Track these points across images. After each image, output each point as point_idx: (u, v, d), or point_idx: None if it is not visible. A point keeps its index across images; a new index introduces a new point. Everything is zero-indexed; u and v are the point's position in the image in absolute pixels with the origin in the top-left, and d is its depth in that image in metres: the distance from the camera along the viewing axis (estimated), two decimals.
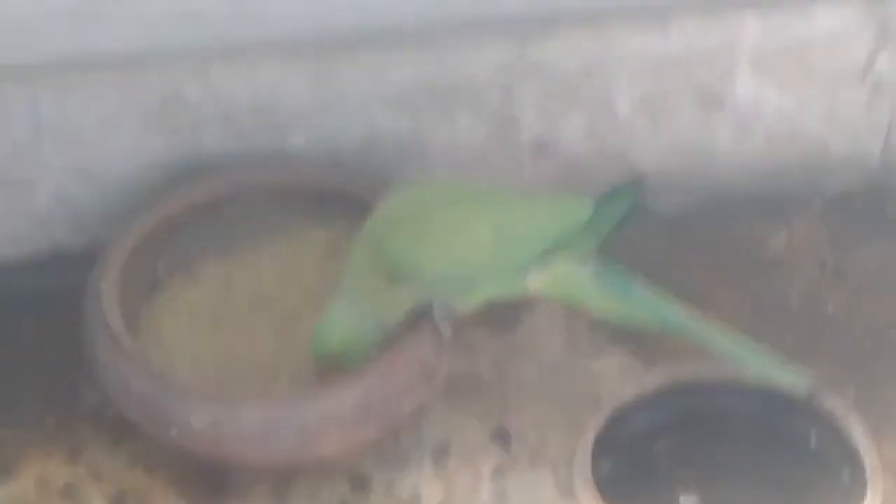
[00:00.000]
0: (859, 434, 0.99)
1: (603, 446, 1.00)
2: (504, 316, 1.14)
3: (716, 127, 1.20)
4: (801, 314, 1.15)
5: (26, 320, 1.15)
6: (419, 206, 1.02)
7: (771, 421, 1.03)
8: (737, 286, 1.17)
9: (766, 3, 1.15)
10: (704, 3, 1.14)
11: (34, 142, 1.12)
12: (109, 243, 1.09)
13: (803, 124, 1.21)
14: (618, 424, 1.02)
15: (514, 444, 1.07)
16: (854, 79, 1.19)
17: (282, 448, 1.00)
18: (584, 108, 1.18)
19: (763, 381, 1.02)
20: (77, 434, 1.09)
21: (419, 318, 1.03)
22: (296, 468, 1.05)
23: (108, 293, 1.05)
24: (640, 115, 1.19)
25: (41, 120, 1.11)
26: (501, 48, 1.14)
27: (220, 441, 0.99)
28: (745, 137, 1.21)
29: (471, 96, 1.16)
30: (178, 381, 1.03)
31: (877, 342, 1.13)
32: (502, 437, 1.08)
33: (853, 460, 0.99)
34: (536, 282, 1.01)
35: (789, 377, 1.01)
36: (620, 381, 1.09)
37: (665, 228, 1.21)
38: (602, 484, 0.98)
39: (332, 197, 1.12)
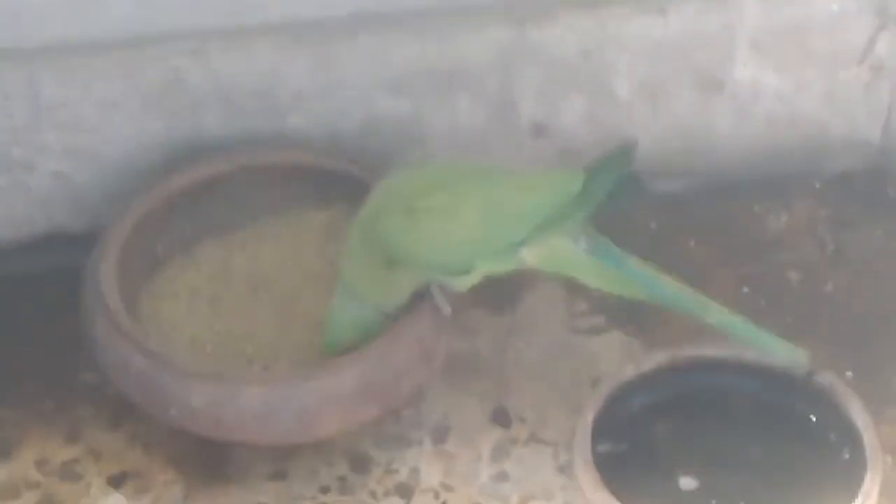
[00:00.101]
0: (859, 414, 0.99)
1: (602, 426, 1.00)
2: (503, 296, 1.15)
3: (715, 110, 1.20)
4: (800, 295, 1.16)
5: (26, 301, 1.15)
6: (411, 190, 1.01)
7: (771, 401, 1.03)
8: (737, 267, 1.17)
9: None
10: None
11: (34, 123, 1.12)
12: (109, 225, 1.09)
13: (803, 107, 1.21)
14: (617, 404, 1.02)
15: (514, 424, 1.07)
16: (853, 61, 1.19)
17: (281, 428, 1.00)
18: (584, 91, 1.18)
19: (761, 351, 1.02)
20: (76, 414, 1.09)
21: (418, 298, 1.03)
22: (295, 448, 1.05)
23: (107, 274, 1.05)
24: (639, 98, 1.19)
25: (41, 102, 1.12)
26: (501, 32, 1.14)
27: (219, 421, 1.00)
28: (745, 120, 1.21)
29: (470, 80, 1.16)
30: (177, 361, 1.02)
31: (876, 322, 1.13)
32: (502, 417, 1.08)
33: (853, 440, 0.99)
34: (531, 256, 1.01)
35: (786, 349, 1.01)
36: (620, 361, 1.09)
37: (665, 211, 1.21)
38: (601, 464, 0.98)
39: (331, 178, 1.12)
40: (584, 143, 1.20)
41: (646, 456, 1.02)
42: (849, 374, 1.08)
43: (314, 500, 1.04)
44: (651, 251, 1.03)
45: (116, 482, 1.05)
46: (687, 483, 1.01)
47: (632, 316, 1.12)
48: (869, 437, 0.98)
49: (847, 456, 1.00)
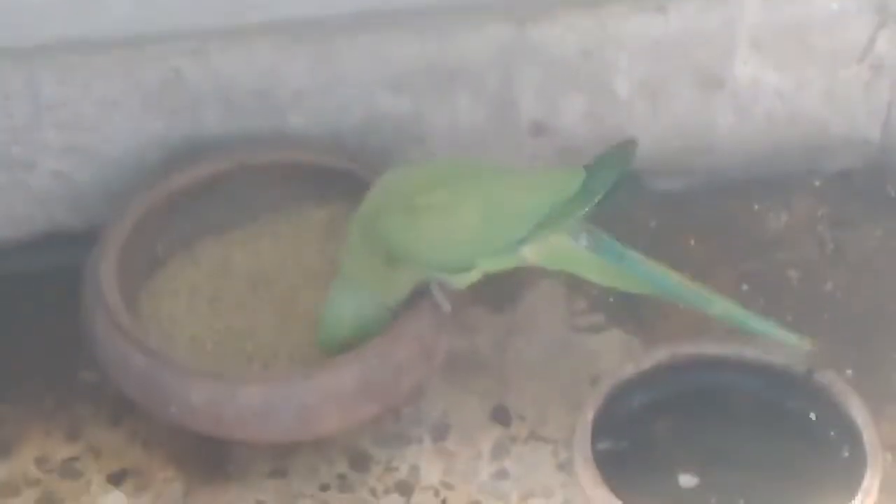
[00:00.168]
0: (859, 411, 0.99)
1: (602, 424, 1.00)
2: (503, 294, 1.15)
3: (715, 108, 1.20)
4: (800, 293, 1.16)
5: (26, 300, 1.15)
6: (410, 188, 1.01)
7: (771, 399, 1.03)
8: (737, 266, 1.17)
9: None
10: None
11: (34, 122, 1.12)
12: (109, 223, 1.09)
13: (803, 105, 1.21)
14: (617, 402, 1.02)
15: (514, 422, 1.07)
16: (853, 59, 1.19)
17: (281, 426, 1.00)
18: (584, 90, 1.18)
19: (765, 341, 1.02)
20: (76, 412, 1.09)
21: (418, 296, 1.03)
22: (295, 446, 1.05)
23: (107, 273, 1.05)
24: (639, 96, 1.19)
25: (41, 101, 1.12)
26: (501, 30, 1.14)
27: (219, 419, 1.00)
28: (745, 118, 1.21)
29: (471, 78, 1.16)
30: (177, 359, 1.02)
31: (876, 320, 1.13)
32: (502, 415, 1.08)
33: (853, 438, 0.99)
34: (531, 254, 1.01)
35: (790, 337, 1.01)
36: (620, 359, 1.09)
37: (665, 209, 1.21)
38: (601, 461, 0.98)
39: (331, 177, 1.12)
40: (583, 141, 1.19)
41: (646, 453, 1.02)
42: (848, 371, 1.08)
43: (314, 498, 1.04)
44: (651, 250, 1.03)
45: (116, 480, 1.05)
46: (687, 481, 1.01)
47: (632, 314, 1.12)
48: (868, 435, 0.98)
49: (847, 453, 1.00)
